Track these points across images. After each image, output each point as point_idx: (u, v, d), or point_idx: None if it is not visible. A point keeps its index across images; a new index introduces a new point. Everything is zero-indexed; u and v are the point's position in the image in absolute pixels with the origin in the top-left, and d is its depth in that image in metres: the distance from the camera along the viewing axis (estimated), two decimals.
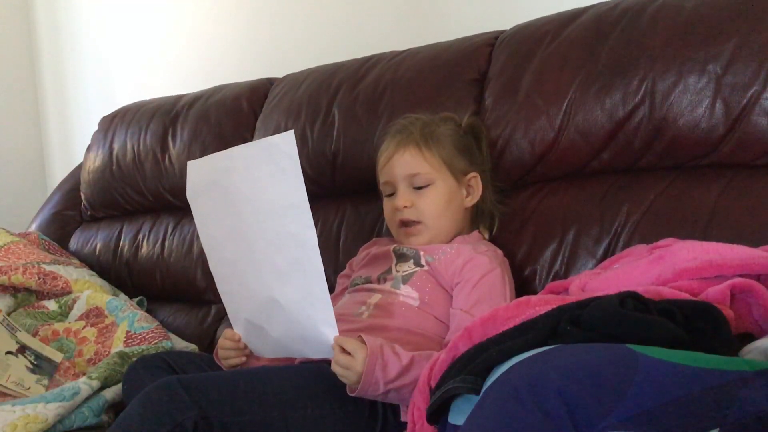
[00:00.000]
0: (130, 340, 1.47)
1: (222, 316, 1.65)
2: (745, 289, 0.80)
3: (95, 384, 1.28)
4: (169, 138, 1.83)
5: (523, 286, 1.22)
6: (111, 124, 2.02)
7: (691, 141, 1.14)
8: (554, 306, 0.78)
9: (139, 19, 2.37)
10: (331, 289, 1.10)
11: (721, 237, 1.00)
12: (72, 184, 2.12)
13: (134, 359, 1.30)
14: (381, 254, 1.26)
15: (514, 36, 1.36)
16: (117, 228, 1.95)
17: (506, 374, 0.66)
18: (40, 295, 1.66)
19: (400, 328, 1.12)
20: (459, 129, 1.28)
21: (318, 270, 0.98)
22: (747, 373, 0.63)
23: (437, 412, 0.77)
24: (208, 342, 1.63)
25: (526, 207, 1.28)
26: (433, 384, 0.83)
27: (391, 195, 1.26)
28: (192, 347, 1.59)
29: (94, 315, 1.58)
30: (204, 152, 1.66)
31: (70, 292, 1.66)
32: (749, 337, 0.78)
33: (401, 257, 1.23)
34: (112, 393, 1.30)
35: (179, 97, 1.91)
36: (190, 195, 1.18)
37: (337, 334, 1.00)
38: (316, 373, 1.06)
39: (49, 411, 1.18)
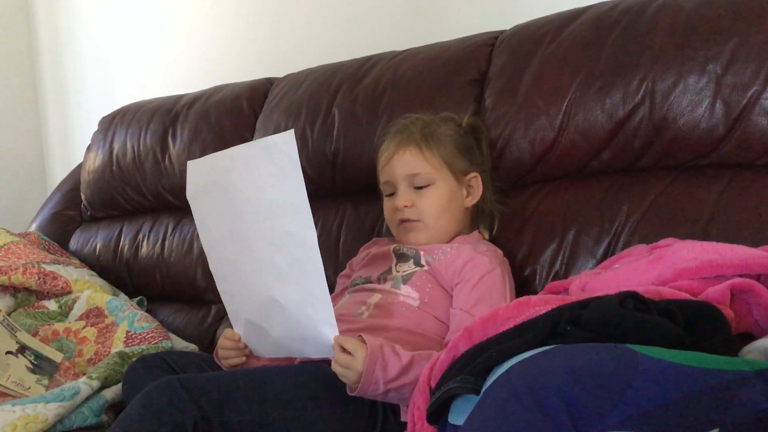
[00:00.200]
0: (130, 340, 1.47)
1: (222, 316, 1.65)
2: (745, 289, 0.80)
3: (95, 384, 1.28)
4: (169, 138, 1.83)
5: (523, 286, 1.22)
6: (111, 124, 2.02)
7: (691, 141, 1.14)
8: (554, 306, 0.78)
9: (139, 19, 2.37)
10: (331, 289, 1.10)
11: (721, 237, 1.00)
12: (72, 184, 2.12)
13: (134, 359, 1.30)
14: (381, 254, 1.26)
15: (514, 36, 1.36)
16: (117, 228, 1.95)
17: (506, 374, 0.66)
18: (40, 295, 1.66)
19: (400, 328, 1.12)
20: (459, 129, 1.28)
21: (318, 270, 0.98)
22: (747, 373, 0.63)
23: (437, 412, 0.77)
24: (208, 342, 1.63)
25: (526, 207, 1.28)
26: (433, 384, 0.83)
27: (392, 195, 1.26)
28: (192, 347, 1.59)
29: (94, 315, 1.58)
30: (204, 152, 1.66)
31: (70, 292, 1.66)
32: (749, 337, 0.78)
33: (401, 257, 1.23)
34: (112, 393, 1.29)
35: (179, 97, 1.91)
36: (190, 195, 1.18)
37: (337, 333, 1.00)
38: (316, 373, 1.06)
39: (49, 411, 1.18)
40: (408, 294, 1.16)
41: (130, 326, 1.51)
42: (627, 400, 0.60)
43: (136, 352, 1.42)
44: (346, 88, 1.52)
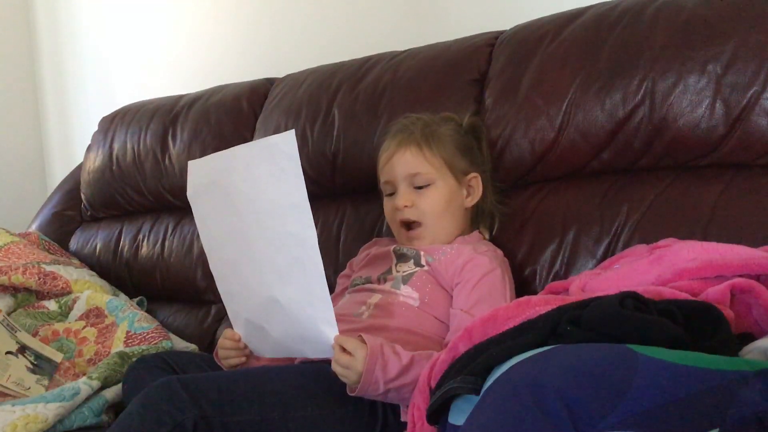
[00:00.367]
0: (130, 340, 1.47)
1: (222, 316, 1.66)
2: (745, 289, 0.80)
3: (95, 384, 1.28)
4: (169, 138, 1.83)
5: (523, 286, 1.22)
6: (111, 124, 2.02)
7: (691, 141, 1.14)
8: (554, 306, 0.78)
9: (139, 19, 2.37)
10: (331, 290, 1.10)
11: (721, 237, 1.00)
12: (72, 184, 2.12)
13: (134, 359, 1.30)
14: (381, 254, 1.26)
15: (514, 36, 1.36)
16: (117, 228, 1.95)
17: (506, 374, 0.66)
18: (40, 295, 1.66)
19: (400, 328, 1.12)
20: (460, 129, 1.28)
21: (318, 269, 0.98)
22: (747, 373, 0.63)
23: (437, 412, 0.77)
24: (208, 342, 1.63)
25: (526, 207, 1.28)
26: (433, 384, 0.83)
27: (392, 194, 1.26)
28: (192, 347, 1.59)
29: (94, 315, 1.58)
30: (204, 152, 1.66)
31: (70, 292, 1.66)
32: (749, 337, 0.78)
33: (401, 257, 1.23)
34: (112, 393, 1.30)
35: (179, 97, 1.91)
36: (191, 195, 1.18)
37: (338, 333, 1.00)
38: (316, 373, 1.06)
39: (49, 411, 1.18)
40: (408, 294, 1.16)
41: (130, 326, 1.51)
42: (627, 400, 0.60)
43: (136, 352, 1.42)
44: (346, 88, 1.52)
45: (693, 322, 0.72)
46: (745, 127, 1.09)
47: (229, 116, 1.74)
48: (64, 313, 1.61)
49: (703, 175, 1.14)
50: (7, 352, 1.35)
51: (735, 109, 1.09)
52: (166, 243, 1.82)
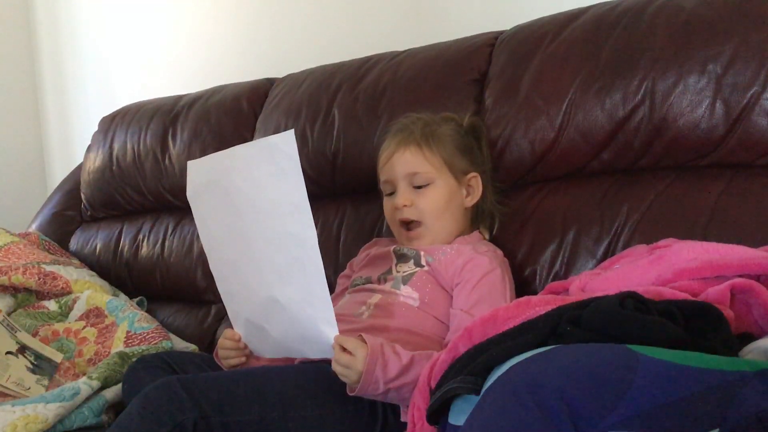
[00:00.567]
0: (130, 341, 1.47)
1: (222, 316, 1.66)
2: (745, 290, 0.80)
3: (95, 384, 1.28)
4: (169, 138, 1.83)
5: (523, 286, 1.22)
6: (111, 124, 2.02)
7: (691, 141, 1.14)
8: (554, 306, 0.78)
9: (139, 19, 2.37)
10: (331, 290, 1.10)
11: (721, 237, 1.00)
12: (72, 184, 2.12)
13: (134, 359, 1.30)
14: (381, 255, 1.26)
15: (514, 36, 1.36)
16: (117, 228, 1.95)
17: (506, 374, 0.66)
18: (40, 295, 1.66)
19: (401, 328, 1.12)
20: (460, 129, 1.28)
21: (318, 269, 0.98)
22: (747, 373, 0.63)
23: (437, 413, 0.77)
24: (208, 342, 1.63)
25: (526, 207, 1.28)
26: (433, 384, 0.83)
27: (392, 194, 1.26)
28: (192, 347, 1.59)
29: (94, 315, 1.58)
30: (204, 152, 1.66)
31: (70, 293, 1.66)
32: (749, 337, 0.78)
33: (401, 258, 1.23)
34: (112, 393, 1.30)
35: (179, 98, 1.91)
36: (191, 195, 1.18)
37: (338, 333, 1.00)
38: (316, 373, 1.06)
39: (49, 411, 1.18)
40: (408, 294, 1.16)
41: (130, 326, 1.51)
42: (627, 401, 0.60)
43: (136, 352, 1.42)
44: (346, 88, 1.52)
45: (693, 323, 0.72)
46: (745, 127, 1.09)
47: (229, 116, 1.75)
48: (64, 313, 1.61)
49: (703, 175, 1.14)
50: (7, 352, 1.35)
51: (735, 109, 1.09)
52: (166, 243, 1.82)
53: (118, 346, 1.47)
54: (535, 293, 1.15)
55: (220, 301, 1.20)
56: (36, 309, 1.61)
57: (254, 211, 1.05)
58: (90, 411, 1.24)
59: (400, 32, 1.75)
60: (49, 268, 1.66)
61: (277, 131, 1.57)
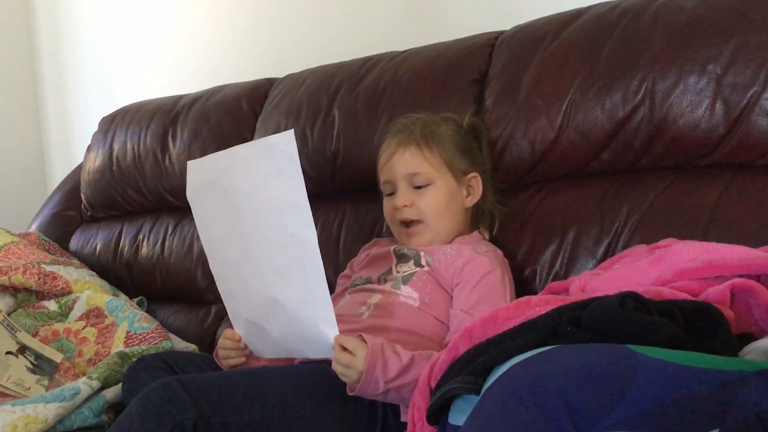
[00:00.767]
0: (130, 341, 1.47)
1: (222, 317, 1.66)
2: (745, 290, 0.80)
3: (95, 384, 1.28)
4: (169, 138, 1.83)
5: (523, 286, 1.22)
6: (111, 124, 2.02)
7: (691, 141, 1.14)
8: (554, 306, 0.78)
9: (139, 19, 2.37)
10: (331, 290, 1.10)
11: (721, 237, 1.00)
12: (72, 184, 2.12)
13: (134, 359, 1.30)
14: (381, 255, 1.26)
15: (514, 36, 1.36)
16: (117, 228, 1.95)
17: (506, 374, 0.66)
18: (40, 295, 1.66)
19: (401, 328, 1.12)
20: (460, 129, 1.28)
21: (318, 269, 0.98)
22: (747, 374, 0.63)
23: (437, 413, 0.77)
24: (208, 342, 1.63)
25: (526, 207, 1.28)
26: (433, 384, 0.83)
27: (392, 194, 1.26)
28: (192, 347, 1.59)
29: (94, 315, 1.58)
30: (204, 152, 1.66)
31: (70, 293, 1.66)
32: (749, 338, 0.78)
33: (401, 258, 1.23)
34: (112, 393, 1.29)
35: (179, 98, 1.91)
36: (190, 195, 1.18)
37: (338, 333, 1.00)
38: (316, 374, 1.06)
39: (49, 411, 1.18)
40: (408, 294, 1.16)
41: (130, 326, 1.51)
42: (627, 401, 0.60)
43: (136, 352, 1.42)
44: (347, 88, 1.52)
45: (693, 323, 0.72)
46: (745, 128, 1.09)
47: (229, 116, 1.75)
48: (64, 314, 1.61)
49: (703, 175, 1.14)
50: (7, 353, 1.35)
51: (735, 110, 1.09)
52: (166, 243, 1.82)
53: (118, 346, 1.47)
54: (535, 293, 1.15)
55: (220, 301, 1.20)
56: (36, 309, 1.61)
57: (254, 211, 1.05)
58: (90, 411, 1.24)
59: (400, 32, 1.75)
60: (49, 268, 1.66)
61: (277, 131, 1.57)
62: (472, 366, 0.74)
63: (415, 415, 0.86)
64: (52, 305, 1.62)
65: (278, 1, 2.01)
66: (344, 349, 0.99)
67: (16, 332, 1.41)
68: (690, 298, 0.81)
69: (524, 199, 1.30)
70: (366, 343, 0.98)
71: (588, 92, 1.21)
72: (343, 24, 1.87)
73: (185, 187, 1.19)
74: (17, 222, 2.20)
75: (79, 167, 2.12)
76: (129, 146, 1.92)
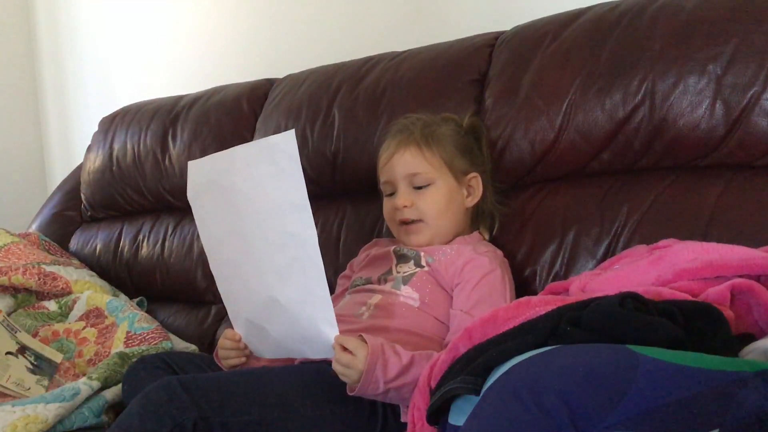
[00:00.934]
0: (130, 341, 1.47)
1: (222, 317, 1.65)
2: (745, 290, 0.80)
3: (95, 384, 1.28)
4: (170, 138, 1.83)
5: (523, 286, 1.22)
6: (111, 124, 2.02)
7: (691, 141, 1.14)
8: (554, 307, 0.78)
9: (139, 19, 2.37)
10: (331, 290, 1.10)
11: (721, 237, 1.00)
12: (72, 184, 2.12)
13: (134, 360, 1.30)
14: (381, 255, 1.26)
15: (514, 36, 1.36)
16: (117, 228, 1.95)
17: (506, 375, 0.66)
18: (40, 295, 1.66)
19: (401, 328, 1.12)
20: (460, 129, 1.28)
21: (318, 269, 0.98)
22: (747, 374, 0.63)
23: (437, 413, 0.77)
24: (208, 342, 1.63)
25: (526, 207, 1.28)
26: (433, 384, 0.83)
27: (392, 194, 1.26)
28: (192, 348, 1.59)
29: (94, 315, 1.58)
30: (204, 153, 1.66)
31: (70, 293, 1.66)
32: (749, 338, 0.78)
33: (402, 258, 1.23)
34: (112, 393, 1.30)
35: (179, 98, 1.91)
36: (191, 195, 1.18)
37: (338, 333, 1.00)
38: (316, 374, 1.06)
39: (49, 411, 1.18)
40: (408, 294, 1.16)
41: (130, 327, 1.51)
42: (627, 401, 0.60)
43: (136, 352, 1.42)
44: (347, 88, 1.52)
45: (693, 323, 0.72)
46: (745, 128, 1.09)
47: (229, 117, 1.75)
48: (64, 314, 1.61)
49: (703, 176, 1.14)
50: (7, 353, 1.35)
51: (735, 110, 1.09)
52: (166, 243, 1.82)
53: (118, 346, 1.47)
54: (535, 293, 1.15)
55: (220, 301, 1.20)
56: (36, 309, 1.61)
57: (254, 212, 1.05)
58: (90, 411, 1.24)
59: (400, 32, 1.75)
60: (49, 269, 1.66)
61: (277, 131, 1.57)
62: (472, 366, 0.74)
63: (415, 415, 0.86)
64: (52, 305, 1.62)
65: (278, 1, 2.01)
66: (344, 349, 0.99)
67: (16, 332, 1.41)
68: (690, 298, 0.81)
69: (524, 199, 1.30)
70: (366, 343, 0.98)
71: (588, 92, 1.21)
72: (343, 24, 1.87)
73: (185, 188, 1.19)
74: (17, 222, 2.20)
75: (79, 167, 2.12)
76: (129, 146, 1.92)
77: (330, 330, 1.01)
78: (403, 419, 1.03)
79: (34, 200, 2.44)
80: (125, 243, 1.90)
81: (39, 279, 1.62)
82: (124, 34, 2.42)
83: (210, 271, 1.18)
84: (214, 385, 0.99)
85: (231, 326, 1.19)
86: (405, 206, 1.22)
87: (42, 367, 1.39)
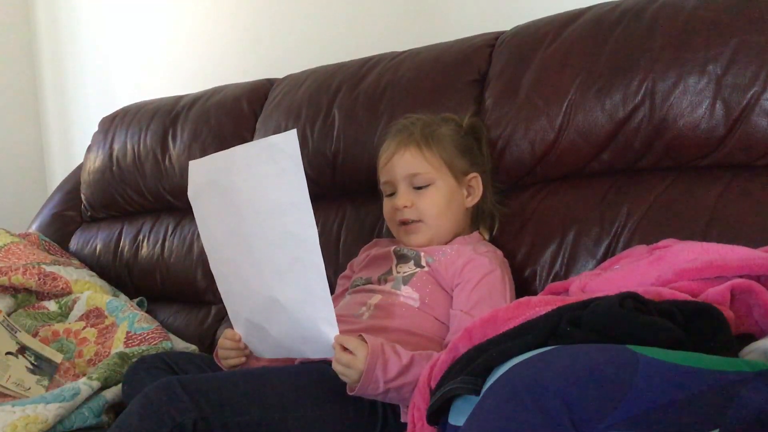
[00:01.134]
0: (130, 341, 1.47)
1: (222, 317, 1.65)
2: (746, 290, 0.80)
3: (95, 384, 1.28)
4: (169, 139, 1.83)
5: (523, 286, 1.22)
6: (111, 124, 2.02)
7: (692, 142, 1.14)
8: (554, 307, 0.78)
9: (139, 19, 2.37)
10: (331, 290, 1.10)
11: (721, 238, 1.00)
12: (72, 184, 2.12)
13: (134, 360, 1.30)
14: (381, 255, 1.26)
15: (514, 37, 1.36)
16: (117, 228, 1.95)
17: (506, 375, 0.66)
18: (40, 295, 1.66)
19: (401, 328, 1.12)
20: (460, 129, 1.28)
21: (319, 269, 0.98)
22: (747, 374, 0.63)
23: (437, 413, 0.77)
24: (208, 342, 1.63)
25: (526, 208, 1.28)
26: (433, 384, 0.83)
27: (392, 195, 1.26)
28: (192, 348, 1.59)
29: (94, 316, 1.58)
30: (204, 153, 1.66)
31: (70, 293, 1.66)
32: (749, 338, 0.78)
33: (402, 258, 1.23)
34: (112, 393, 1.30)
35: (179, 98, 1.91)
36: (192, 195, 1.18)
37: (338, 333, 1.00)
38: (316, 374, 1.06)
39: (49, 411, 1.18)
40: (408, 295, 1.16)
41: (130, 327, 1.51)
42: (627, 401, 0.60)
43: (136, 352, 1.42)
44: (347, 88, 1.52)
45: (693, 323, 0.72)
46: (745, 128, 1.09)
47: (229, 117, 1.75)
48: (64, 314, 1.61)
49: (703, 176, 1.14)
50: (8, 353, 1.35)
51: (735, 110, 1.09)
52: (166, 243, 1.82)
53: (118, 346, 1.47)
54: (535, 294, 1.15)
55: (220, 301, 1.20)
56: (36, 309, 1.61)
57: (255, 211, 1.05)
58: (90, 411, 1.25)
59: (400, 32, 1.75)
60: (49, 269, 1.66)
61: (277, 132, 1.57)
62: (472, 366, 0.74)
63: (415, 415, 0.86)
64: (52, 306, 1.62)
65: (278, 1, 2.01)
66: (344, 348, 0.99)
67: (16, 332, 1.41)
68: (690, 298, 0.81)
69: (524, 200, 1.30)
70: (366, 342, 0.98)
71: (588, 92, 1.21)
72: (343, 24, 1.87)
73: (185, 188, 1.19)
74: (17, 222, 2.20)
75: (79, 167, 2.12)
76: (129, 146, 1.92)
77: (330, 330, 1.01)
78: (403, 419, 1.03)
79: (34, 200, 2.44)
80: (125, 243, 1.90)
81: (39, 279, 1.62)
82: (124, 34, 2.42)
83: (210, 271, 1.18)
84: (214, 385, 0.99)
85: (231, 326, 1.19)
86: (405, 206, 1.22)
87: (42, 367, 1.39)
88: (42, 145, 2.74)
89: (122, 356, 1.39)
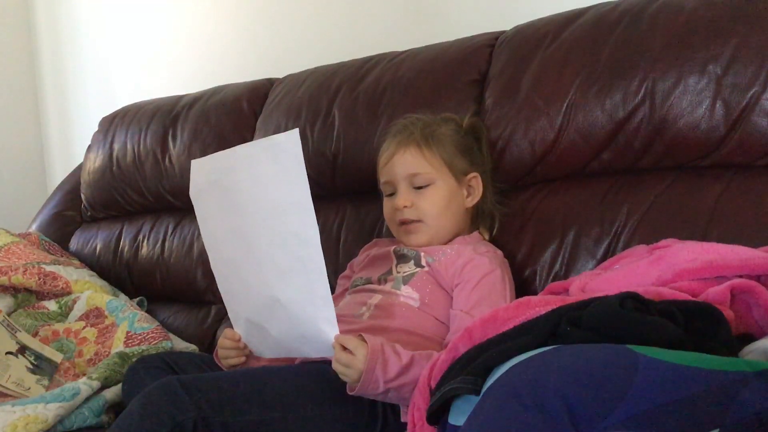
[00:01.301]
0: (131, 341, 1.47)
1: (222, 317, 1.66)
2: (745, 290, 0.80)
3: (95, 384, 1.28)
4: (170, 138, 1.83)
5: (523, 286, 1.22)
6: (111, 124, 2.02)
7: (692, 142, 1.14)
8: (554, 306, 0.78)
9: (139, 19, 2.37)
10: (332, 290, 1.10)
11: (722, 237, 1.00)
12: (72, 184, 2.12)
13: (134, 360, 1.30)
14: (381, 255, 1.26)
15: (514, 37, 1.36)
16: (117, 228, 1.95)
17: (506, 375, 0.66)
18: (40, 295, 1.66)
19: (401, 328, 1.12)
20: (460, 129, 1.28)
21: (320, 268, 0.98)
22: (747, 374, 0.63)
23: (437, 413, 0.77)
24: (208, 342, 1.63)
25: (527, 208, 1.28)
26: (433, 384, 0.83)
27: (392, 195, 1.26)
28: (192, 347, 1.59)
29: (94, 315, 1.58)
30: (204, 153, 1.66)
31: (70, 293, 1.66)
32: (749, 338, 0.78)
33: (402, 258, 1.23)
34: (112, 393, 1.30)
35: (179, 98, 1.91)
36: (193, 194, 1.18)
37: (338, 332, 1.00)
38: (316, 374, 1.06)
39: (49, 411, 1.18)
40: (408, 295, 1.16)
41: (130, 327, 1.51)
42: (627, 401, 0.60)
43: (136, 352, 1.42)
44: (347, 88, 1.52)
45: (693, 323, 0.72)
46: (745, 128, 1.09)
47: (230, 116, 1.75)
48: (64, 314, 1.61)
49: (704, 176, 1.14)
50: (7, 353, 1.35)
51: (735, 110, 1.09)
52: (166, 243, 1.82)
53: (118, 346, 1.47)
54: (535, 294, 1.16)
55: (220, 301, 1.20)
56: (36, 309, 1.61)
57: (256, 211, 1.05)
58: (90, 411, 1.25)
59: (400, 32, 1.75)
60: (49, 269, 1.66)
61: (277, 131, 1.57)
62: (472, 366, 0.74)
63: (415, 415, 0.86)
64: (52, 305, 1.62)
65: (278, 1, 2.01)
66: (344, 348, 0.99)
67: (16, 332, 1.41)
68: (690, 298, 0.81)
69: (524, 200, 1.30)
70: (366, 342, 0.98)
71: (588, 92, 1.21)
72: (343, 24, 1.87)
73: (185, 188, 1.19)
74: (17, 222, 2.20)
75: (79, 167, 2.12)
76: (129, 146, 1.92)
77: (330, 329, 1.01)
78: (403, 419, 1.03)
79: (34, 200, 2.44)
80: (125, 243, 1.90)
81: (39, 279, 1.62)
82: (124, 34, 2.42)
83: (210, 271, 1.18)
84: (214, 385, 0.99)
85: (231, 326, 1.19)
86: (405, 206, 1.22)
87: (42, 367, 1.39)
88: (42, 145, 2.74)
89: (122, 356, 1.39)
